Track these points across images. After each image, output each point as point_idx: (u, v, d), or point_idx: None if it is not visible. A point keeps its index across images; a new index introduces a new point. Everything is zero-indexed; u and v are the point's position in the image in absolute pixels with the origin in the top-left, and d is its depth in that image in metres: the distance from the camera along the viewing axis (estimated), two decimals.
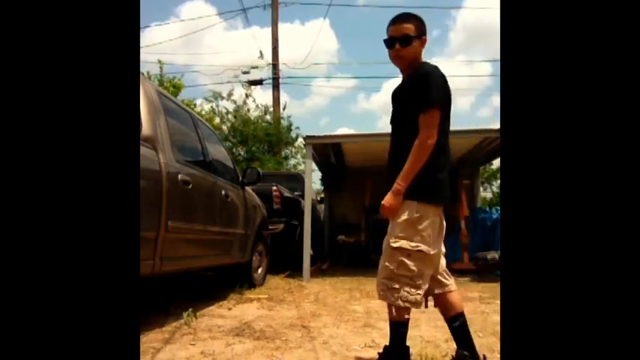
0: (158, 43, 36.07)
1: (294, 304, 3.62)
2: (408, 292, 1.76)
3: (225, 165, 3.99)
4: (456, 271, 5.74)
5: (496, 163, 11.10)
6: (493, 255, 5.61)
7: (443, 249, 1.93)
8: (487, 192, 17.98)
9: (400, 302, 1.76)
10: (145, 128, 2.58)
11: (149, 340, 2.36)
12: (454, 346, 1.91)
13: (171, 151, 2.75)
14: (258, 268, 4.55)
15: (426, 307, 1.88)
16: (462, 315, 1.88)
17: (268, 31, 14.09)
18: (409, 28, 1.83)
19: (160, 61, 10.94)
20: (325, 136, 6.30)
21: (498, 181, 16.29)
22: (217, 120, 12.49)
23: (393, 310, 1.82)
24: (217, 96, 12.65)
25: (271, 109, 12.75)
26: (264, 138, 12.13)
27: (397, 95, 1.93)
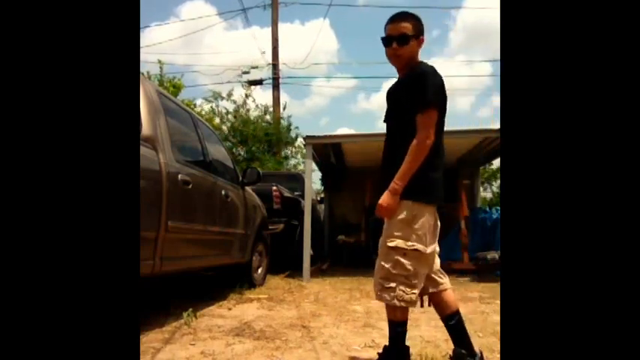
0: (158, 43, 36.11)
1: (294, 304, 3.62)
2: (404, 292, 1.76)
3: (225, 165, 3.99)
4: (456, 271, 5.76)
5: (496, 163, 11.10)
6: (493, 255, 5.60)
7: (437, 248, 1.94)
8: (487, 192, 17.98)
9: (396, 302, 1.77)
10: (145, 128, 2.58)
11: (149, 340, 2.36)
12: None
13: (171, 151, 2.75)
14: (258, 268, 4.55)
15: (422, 306, 1.88)
16: (457, 313, 1.89)
17: (268, 31, 14.12)
18: (407, 27, 1.83)
19: (160, 61, 10.97)
20: (325, 136, 6.30)
21: (498, 181, 16.29)
22: (217, 120, 12.50)
23: (391, 310, 1.82)
24: (217, 96, 12.67)
25: (271, 109, 12.76)
26: (264, 138, 12.13)
27: (393, 94, 1.94)
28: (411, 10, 1.88)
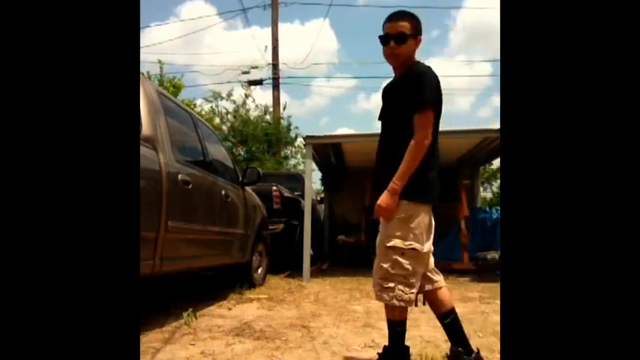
0: (158, 43, 36.08)
1: (294, 304, 3.62)
2: (403, 291, 1.77)
3: (225, 165, 3.99)
4: (456, 271, 5.76)
5: (496, 163, 11.10)
6: (493, 255, 5.60)
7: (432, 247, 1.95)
8: (487, 192, 17.99)
9: (395, 302, 1.77)
10: (145, 128, 2.58)
11: (149, 340, 2.36)
12: None
13: (171, 151, 2.75)
14: (258, 268, 4.55)
15: (416, 305, 1.89)
16: (452, 311, 1.89)
17: (268, 31, 14.10)
18: (405, 26, 1.83)
19: (160, 61, 10.96)
20: (325, 136, 6.30)
21: (498, 181, 16.29)
22: (217, 120, 12.50)
23: (390, 310, 1.83)
24: (217, 96, 12.67)
25: (271, 109, 12.76)
26: (264, 138, 12.13)
27: (389, 93, 1.94)
28: (411, 10, 1.89)
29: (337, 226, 8.49)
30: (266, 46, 12.85)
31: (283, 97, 17.75)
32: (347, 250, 7.58)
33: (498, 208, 6.81)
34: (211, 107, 12.69)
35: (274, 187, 5.79)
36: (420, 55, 1.91)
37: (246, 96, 12.86)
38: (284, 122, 12.78)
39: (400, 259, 1.77)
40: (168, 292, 3.95)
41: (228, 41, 34.82)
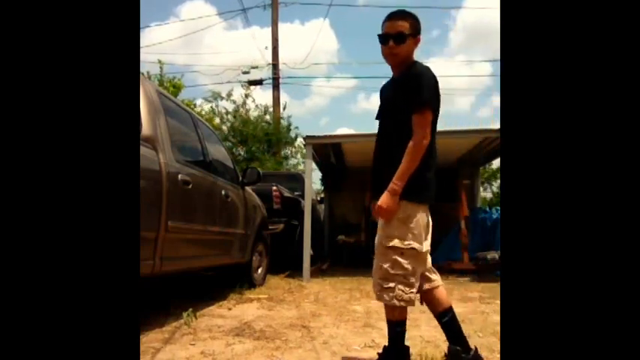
0: (158, 43, 36.11)
1: (294, 304, 3.62)
2: (403, 291, 1.77)
3: (225, 165, 3.99)
4: (456, 271, 5.76)
5: (496, 163, 11.10)
6: (493, 255, 5.60)
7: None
8: (487, 192, 17.99)
9: (395, 302, 1.78)
10: (145, 128, 2.58)
11: (149, 340, 2.36)
12: None
13: (171, 151, 2.75)
14: (258, 268, 4.55)
15: (413, 305, 1.89)
16: (450, 310, 1.90)
17: (268, 31, 14.11)
18: (404, 25, 1.83)
19: (160, 61, 10.97)
20: (325, 136, 6.30)
21: (498, 181, 16.29)
22: (217, 120, 12.50)
23: (390, 310, 1.83)
24: (217, 96, 12.68)
25: (271, 109, 12.76)
26: (264, 138, 12.14)
27: (386, 92, 1.94)
28: (411, 10, 1.88)
29: (337, 226, 8.49)
30: (266, 47, 12.88)
31: (283, 97, 17.78)
32: (347, 250, 7.58)
33: (498, 208, 6.81)
34: (211, 107, 12.72)
35: (274, 187, 5.79)
36: (419, 55, 1.93)
37: (246, 96, 12.89)
38: (284, 122, 12.79)
39: (400, 259, 1.77)
40: (168, 292, 3.95)
41: (228, 41, 34.87)
